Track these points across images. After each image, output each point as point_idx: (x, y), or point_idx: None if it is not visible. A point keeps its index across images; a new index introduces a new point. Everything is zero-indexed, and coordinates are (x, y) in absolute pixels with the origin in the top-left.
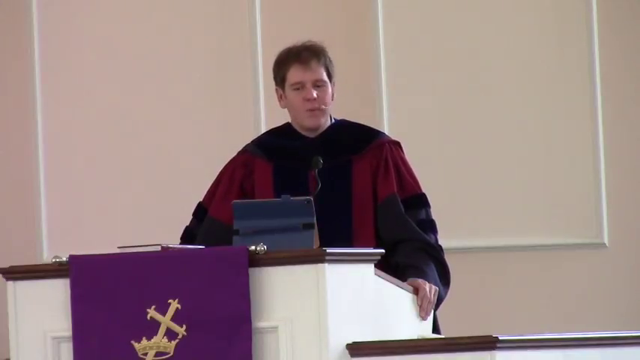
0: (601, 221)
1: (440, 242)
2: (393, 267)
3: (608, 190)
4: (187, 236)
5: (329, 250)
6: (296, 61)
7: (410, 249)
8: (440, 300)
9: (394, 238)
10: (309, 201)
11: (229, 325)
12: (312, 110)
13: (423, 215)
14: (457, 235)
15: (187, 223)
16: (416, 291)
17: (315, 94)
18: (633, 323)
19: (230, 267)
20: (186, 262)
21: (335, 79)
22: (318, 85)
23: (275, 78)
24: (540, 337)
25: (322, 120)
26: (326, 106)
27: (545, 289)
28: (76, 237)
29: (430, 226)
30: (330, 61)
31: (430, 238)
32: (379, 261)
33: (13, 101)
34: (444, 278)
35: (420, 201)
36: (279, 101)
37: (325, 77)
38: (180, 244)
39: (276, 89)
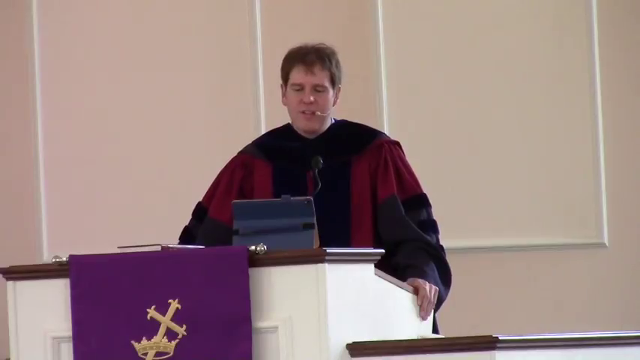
0: (601, 221)
1: (441, 242)
2: (393, 268)
3: (608, 190)
4: (186, 236)
5: (329, 250)
6: (300, 62)
7: (410, 249)
8: (440, 301)
9: (395, 238)
10: (309, 201)
11: (229, 325)
12: (306, 113)
13: (424, 215)
14: (457, 235)
15: (187, 223)
16: (416, 291)
17: (312, 99)
18: (633, 323)
19: (230, 267)
20: (186, 262)
21: (340, 84)
22: (317, 89)
23: (281, 74)
24: (540, 337)
25: (316, 125)
26: (322, 112)
27: (545, 289)
28: (76, 237)
29: (431, 226)
30: (337, 66)
31: (431, 238)
32: (380, 262)
33: (13, 101)
34: (444, 278)
35: (420, 201)
36: (282, 98)
37: (327, 83)
38: (179, 243)
39: (281, 85)
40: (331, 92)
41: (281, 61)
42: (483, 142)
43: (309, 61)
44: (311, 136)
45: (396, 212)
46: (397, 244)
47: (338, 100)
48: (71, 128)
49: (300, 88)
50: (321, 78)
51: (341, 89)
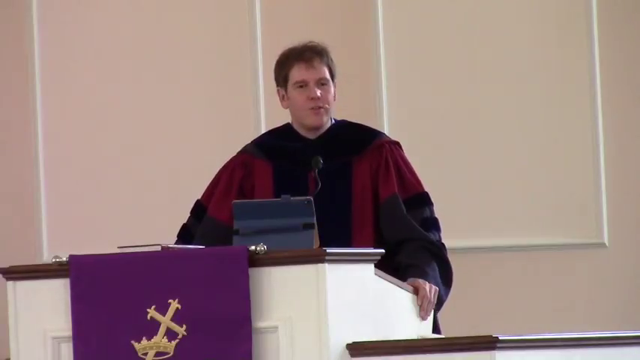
0: (601, 221)
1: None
2: (395, 267)
3: (608, 190)
4: (185, 234)
5: (329, 250)
6: (299, 59)
7: (412, 248)
8: (442, 301)
9: (397, 238)
10: (309, 201)
11: (229, 325)
12: (315, 109)
13: (426, 213)
14: (457, 234)
15: (185, 221)
16: (416, 291)
17: (318, 93)
18: (633, 323)
19: (230, 267)
20: (186, 262)
21: (336, 79)
22: (321, 83)
23: (277, 78)
24: (540, 337)
25: (324, 119)
26: (329, 105)
27: (545, 289)
28: (76, 237)
29: (433, 224)
30: (332, 61)
31: (434, 236)
32: (382, 262)
33: (13, 101)
34: (445, 277)
35: (422, 199)
36: (281, 102)
37: (328, 76)
38: (177, 241)
39: (278, 90)
40: (332, 86)
41: None
42: (483, 142)
43: (307, 57)
44: (312, 136)
45: (398, 211)
46: (399, 243)
47: (336, 96)
48: (71, 128)
49: (304, 84)
50: (323, 71)
51: (336, 85)
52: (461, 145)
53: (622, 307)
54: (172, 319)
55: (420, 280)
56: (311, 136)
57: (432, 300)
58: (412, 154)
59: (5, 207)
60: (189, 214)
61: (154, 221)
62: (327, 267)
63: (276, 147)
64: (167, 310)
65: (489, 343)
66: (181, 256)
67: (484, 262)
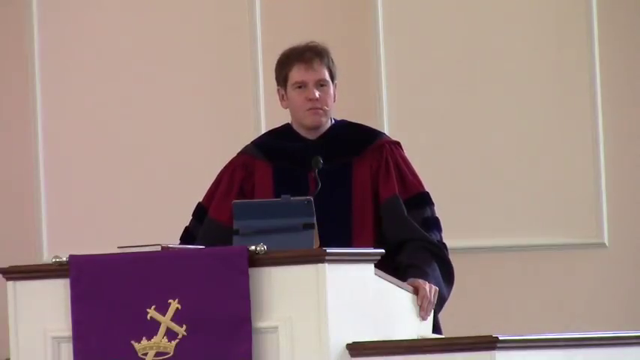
0: (601, 221)
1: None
2: (395, 267)
3: (608, 190)
4: (187, 236)
5: (329, 250)
6: (299, 60)
7: (412, 248)
8: (443, 300)
9: (398, 238)
10: (309, 201)
11: (229, 325)
12: (313, 109)
13: (427, 213)
14: (457, 235)
15: (187, 223)
16: (416, 291)
17: (317, 94)
18: (633, 323)
19: (230, 267)
20: (186, 262)
21: (337, 80)
22: (321, 84)
23: (277, 78)
24: (540, 337)
25: (323, 120)
26: (327, 107)
27: (545, 289)
28: (76, 237)
29: (435, 224)
30: (333, 62)
31: (435, 235)
32: (382, 262)
33: (13, 101)
34: (447, 277)
35: (423, 199)
36: (281, 102)
37: (328, 77)
38: (180, 243)
39: (278, 89)
40: (332, 87)
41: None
42: (483, 142)
43: (307, 58)
44: (312, 137)
45: (398, 212)
46: (400, 243)
47: (336, 97)
48: (71, 128)
49: (303, 85)
50: (322, 73)
51: (337, 86)
52: (461, 145)
53: (622, 307)
54: (172, 319)
55: (420, 280)
56: (311, 136)
57: (432, 300)
58: (412, 154)
59: (5, 207)
60: (191, 217)
61: (154, 221)
62: (327, 267)
63: (276, 147)
64: (167, 310)
65: (489, 343)
66: (181, 256)
67: (484, 262)
